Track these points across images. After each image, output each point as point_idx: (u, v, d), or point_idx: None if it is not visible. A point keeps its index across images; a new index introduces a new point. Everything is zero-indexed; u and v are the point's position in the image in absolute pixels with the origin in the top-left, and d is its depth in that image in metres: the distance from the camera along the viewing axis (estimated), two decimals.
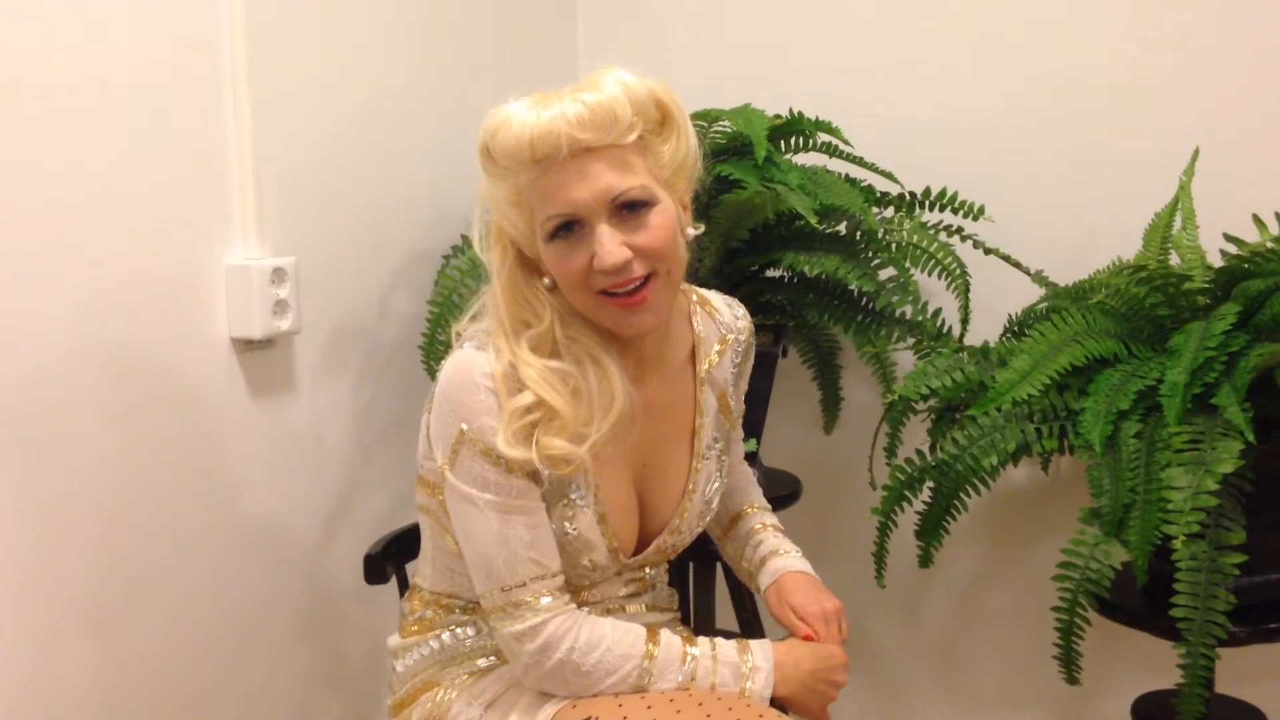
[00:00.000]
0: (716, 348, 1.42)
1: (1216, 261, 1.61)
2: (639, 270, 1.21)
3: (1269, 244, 1.50)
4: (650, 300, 1.23)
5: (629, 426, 1.28)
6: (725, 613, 1.96)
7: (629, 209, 1.20)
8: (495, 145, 1.19)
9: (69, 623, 1.49)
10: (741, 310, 1.48)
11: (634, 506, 1.35)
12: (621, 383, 1.26)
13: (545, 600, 1.23)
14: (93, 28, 1.46)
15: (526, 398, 1.22)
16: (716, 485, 1.42)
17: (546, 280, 1.26)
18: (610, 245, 1.19)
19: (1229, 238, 1.54)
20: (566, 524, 1.27)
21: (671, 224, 1.23)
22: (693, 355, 1.40)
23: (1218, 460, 1.40)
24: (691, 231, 1.29)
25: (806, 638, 1.37)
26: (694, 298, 1.43)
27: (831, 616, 1.39)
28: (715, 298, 1.46)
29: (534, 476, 1.25)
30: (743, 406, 1.51)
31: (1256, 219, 1.53)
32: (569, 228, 1.20)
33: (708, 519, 1.43)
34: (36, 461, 1.44)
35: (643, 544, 1.38)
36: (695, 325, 1.40)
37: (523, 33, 2.21)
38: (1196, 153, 1.70)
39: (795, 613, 1.40)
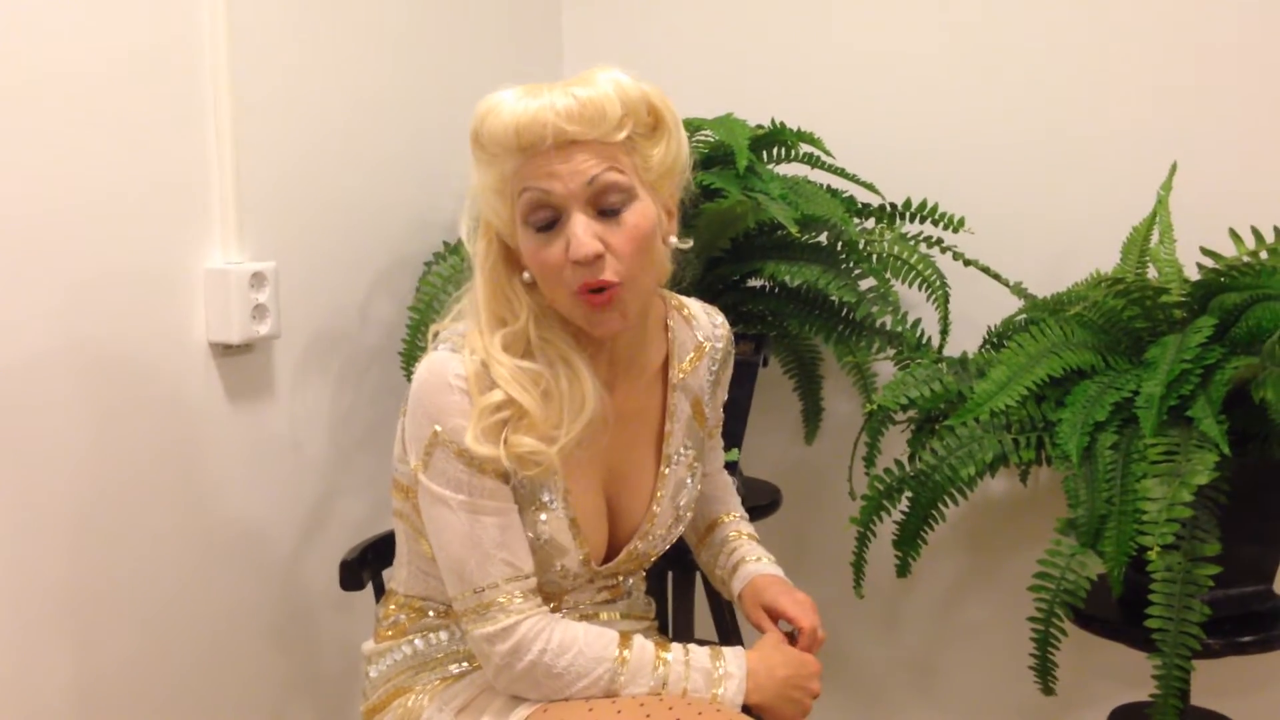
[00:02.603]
0: (690, 355, 1.42)
1: (1193, 275, 1.62)
2: (609, 274, 1.20)
3: (1245, 258, 1.51)
4: (617, 301, 1.22)
5: (600, 430, 1.28)
6: (704, 623, 1.96)
7: (608, 202, 1.20)
8: (484, 130, 1.20)
9: (42, 628, 1.48)
10: (721, 318, 1.48)
11: (603, 513, 1.35)
12: (593, 386, 1.26)
13: (517, 602, 1.23)
14: (72, 29, 1.46)
15: (496, 395, 1.22)
16: (689, 493, 1.42)
17: (526, 275, 1.26)
18: (584, 235, 1.18)
19: (1206, 251, 1.55)
20: (539, 526, 1.27)
21: (649, 225, 1.22)
22: (666, 361, 1.40)
23: (1193, 472, 1.40)
24: (674, 240, 1.29)
25: (789, 631, 1.37)
26: (672, 304, 1.43)
27: (804, 604, 1.39)
28: (694, 305, 1.47)
29: (506, 477, 1.25)
30: (721, 415, 1.51)
31: (1233, 233, 1.54)
32: (547, 212, 1.19)
33: (682, 527, 1.43)
34: (10, 464, 1.43)
35: (614, 551, 1.37)
36: (670, 331, 1.41)
37: (507, 42, 2.22)
38: (1174, 167, 1.72)
39: (767, 607, 1.41)
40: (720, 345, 1.46)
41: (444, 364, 1.24)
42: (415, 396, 1.25)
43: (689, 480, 1.41)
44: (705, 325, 1.45)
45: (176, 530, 1.64)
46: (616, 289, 1.21)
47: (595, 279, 1.20)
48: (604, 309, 1.22)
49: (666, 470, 1.39)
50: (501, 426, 1.22)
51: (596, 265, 1.19)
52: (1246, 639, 1.57)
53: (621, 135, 1.20)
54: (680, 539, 1.55)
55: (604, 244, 1.19)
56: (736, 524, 1.54)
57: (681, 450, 1.40)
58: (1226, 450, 1.40)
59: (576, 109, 1.17)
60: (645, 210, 1.22)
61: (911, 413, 1.77)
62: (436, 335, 1.30)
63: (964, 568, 2.17)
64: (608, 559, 1.37)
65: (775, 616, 1.40)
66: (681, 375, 1.41)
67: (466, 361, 1.23)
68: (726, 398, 1.51)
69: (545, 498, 1.27)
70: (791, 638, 1.38)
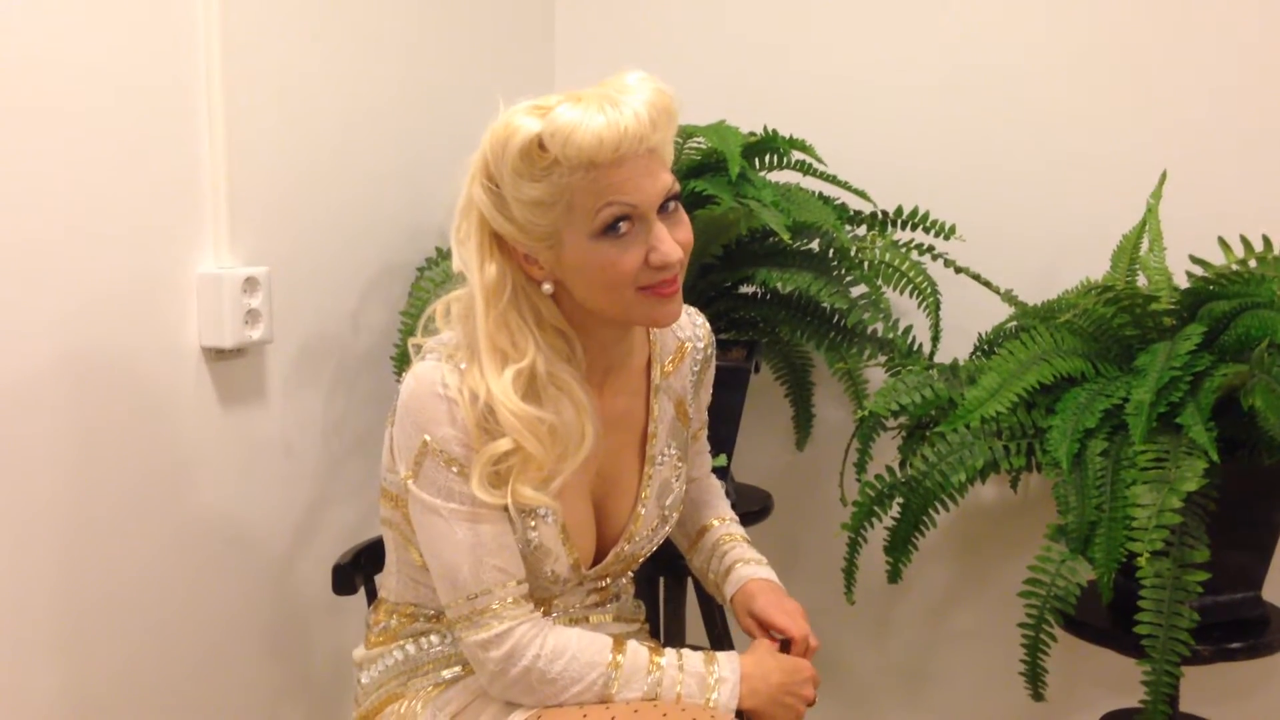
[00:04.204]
0: (672, 356, 1.43)
1: (1183, 283, 1.63)
2: (679, 266, 1.23)
3: (1234, 266, 1.52)
4: (679, 289, 1.25)
5: (593, 449, 1.28)
6: (696, 628, 1.97)
7: (672, 202, 1.22)
8: (569, 143, 1.14)
9: (35, 632, 1.48)
10: (701, 319, 1.48)
11: (590, 516, 1.35)
12: (592, 417, 1.26)
13: (510, 608, 1.23)
14: (66, 37, 1.46)
15: (504, 444, 1.21)
16: (674, 494, 1.42)
17: (547, 286, 1.24)
18: (670, 243, 1.21)
19: (1195, 260, 1.56)
20: (529, 534, 1.27)
21: None
22: (649, 363, 1.40)
23: (1182, 478, 1.41)
24: None
25: (774, 641, 1.37)
26: None
27: (794, 614, 1.39)
28: None
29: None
30: (705, 417, 1.51)
31: (1222, 241, 1.55)
32: (627, 222, 1.19)
33: (667, 529, 1.43)
34: (1, 468, 1.42)
35: (601, 553, 1.38)
36: (651, 333, 1.41)
37: (500, 50, 2.22)
38: (1164, 176, 1.73)
39: (756, 617, 1.41)
40: (701, 345, 1.46)
41: (431, 374, 1.24)
42: (403, 407, 1.25)
43: (674, 481, 1.41)
44: (686, 326, 1.45)
45: (168, 534, 1.64)
46: (679, 273, 1.24)
47: (672, 274, 1.22)
48: (671, 297, 1.24)
49: (651, 471, 1.39)
50: (507, 473, 1.23)
51: (675, 264, 1.22)
52: (1235, 646, 1.58)
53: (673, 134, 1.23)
54: (671, 545, 1.55)
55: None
56: (727, 527, 1.54)
57: (666, 451, 1.41)
58: (1215, 457, 1.41)
59: (657, 115, 1.17)
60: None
61: (902, 419, 1.78)
62: (418, 348, 1.29)
63: (955, 574, 2.17)
64: (596, 561, 1.37)
65: (766, 627, 1.40)
66: (664, 376, 1.41)
67: (451, 373, 1.22)
68: (710, 399, 1.51)
69: (538, 507, 1.27)
70: (784, 646, 1.38)
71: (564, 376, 1.25)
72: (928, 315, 1.88)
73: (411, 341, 1.32)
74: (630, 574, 1.47)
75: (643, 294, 1.22)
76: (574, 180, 1.17)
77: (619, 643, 1.27)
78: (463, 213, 1.25)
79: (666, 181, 1.21)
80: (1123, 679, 1.75)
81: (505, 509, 1.25)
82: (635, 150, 1.17)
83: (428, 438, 1.23)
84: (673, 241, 1.21)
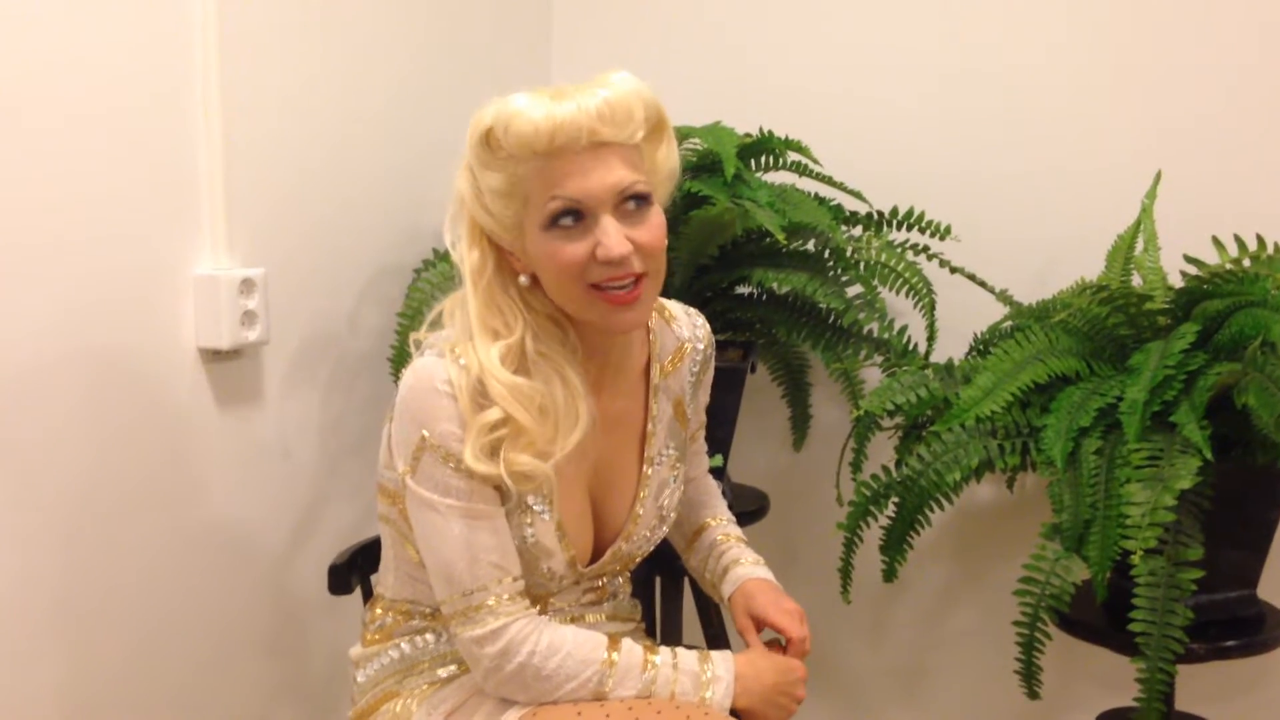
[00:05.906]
0: (671, 356, 1.43)
1: (1177, 282, 1.63)
2: (637, 266, 1.21)
3: (1228, 265, 1.53)
4: (641, 298, 1.24)
5: (589, 439, 1.28)
6: (692, 628, 1.97)
7: (634, 203, 1.21)
8: (508, 133, 1.17)
9: (33, 633, 1.48)
10: (701, 320, 1.49)
11: (588, 515, 1.36)
12: (586, 401, 1.27)
13: (506, 604, 1.24)
14: (61, 36, 1.46)
15: (494, 414, 1.22)
16: (671, 494, 1.42)
17: (524, 278, 1.26)
18: (616, 237, 1.19)
19: (1189, 259, 1.57)
20: (526, 530, 1.27)
21: (665, 225, 1.25)
22: (648, 363, 1.41)
23: (1176, 477, 1.42)
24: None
25: (773, 645, 1.37)
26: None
27: (794, 614, 1.40)
28: (675, 306, 1.47)
29: (496, 485, 1.25)
30: (703, 418, 1.51)
31: (1216, 241, 1.55)
32: (573, 216, 1.20)
33: (665, 529, 1.43)
34: None
35: (598, 552, 1.38)
36: (651, 333, 1.41)
37: (496, 50, 2.23)
38: (1159, 176, 1.73)
39: (755, 617, 1.41)
40: (701, 346, 1.46)
41: (431, 369, 1.24)
42: (402, 402, 1.26)
43: (671, 481, 1.42)
44: (686, 326, 1.46)
45: (166, 535, 1.64)
46: (643, 281, 1.23)
47: (623, 273, 1.21)
48: (627, 306, 1.23)
49: (649, 471, 1.39)
50: (499, 444, 1.22)
51: (625, 262, 1.20)
52: (1230, 644, 1.59)
53: (641, 136, 1.22)
54: (667, 544, 1.56)
55: (631, 241, 1.21)
56: (724, 527, 1.54)
57: (664, 451, 1.41)
58: (1209, 455, 1.42)
59: (608, 111, 1.18)
60: (660, 211, 1.25)
61: (898, 419, 1.78)
62: (418, 343, 1.30)
63: (951, 573, 2.18)
64: (593, 560, 1.38)
65: (762, 626, 1.41)
66: (663, 376, 1.41)
67: (452, 368, 1.23)
68: (709, 400, 1.52)
69: (534, 504, 1.28)
70: (779, 645, 1.39)
71: (554, 356, 1.26)
72: (923, 315, 1.89)
73: (413, 337, 1.33)
74: (627, 573, 1.47)
75: (596, 294, 1.22)
76: (526, 170, 1.19)
77: (614, 641, 1.27)
78: (454, 203, 1.28)
79: (624, 179, 1.20)
80: (1118, 677, 1.75)
81: (501, 505, 1.25)
82: (575, 141, 1.17)
83: (426, 433, 1.23)
84: (620, 236, 1.19)
